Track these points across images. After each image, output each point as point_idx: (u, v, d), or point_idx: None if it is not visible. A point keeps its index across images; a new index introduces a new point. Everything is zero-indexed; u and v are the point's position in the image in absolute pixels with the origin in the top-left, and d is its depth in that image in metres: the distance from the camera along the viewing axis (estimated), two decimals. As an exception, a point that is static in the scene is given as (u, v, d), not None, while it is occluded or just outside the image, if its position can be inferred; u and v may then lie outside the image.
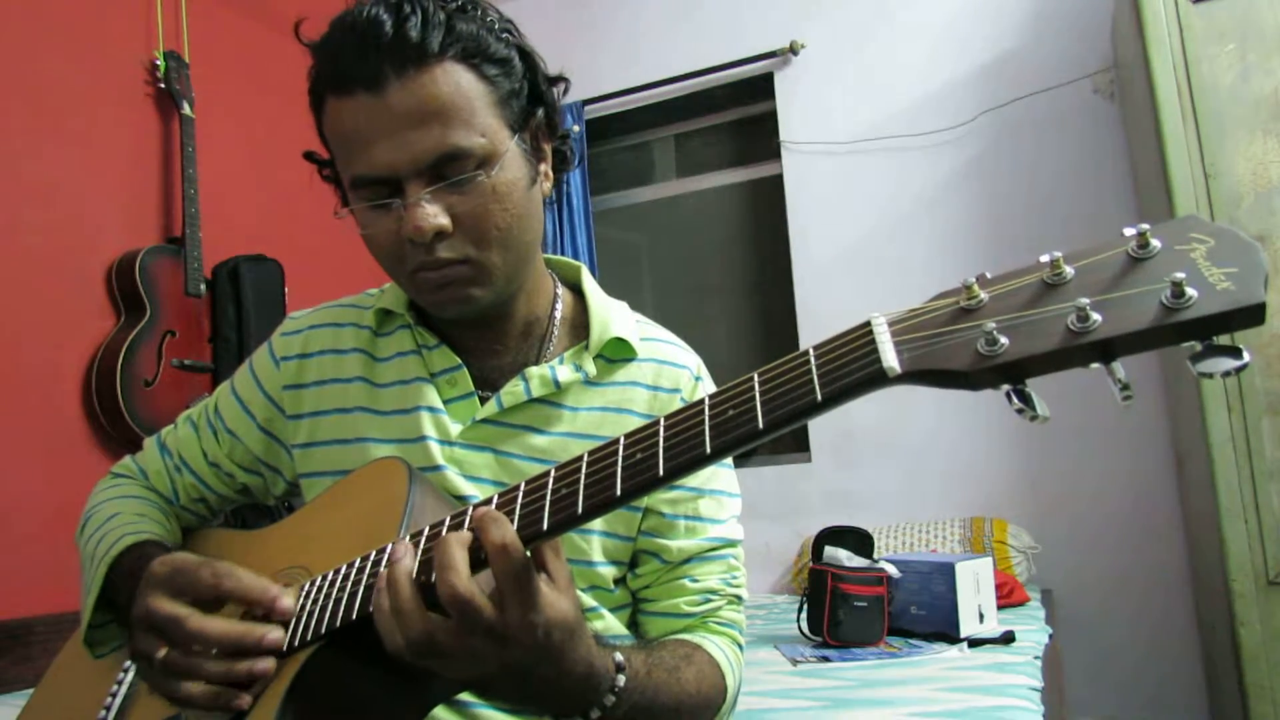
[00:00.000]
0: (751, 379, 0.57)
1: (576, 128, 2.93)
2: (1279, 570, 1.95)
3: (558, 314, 0.96)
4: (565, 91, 0.93)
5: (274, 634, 0.70)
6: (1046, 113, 2.82)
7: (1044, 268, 0.50)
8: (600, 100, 3.39)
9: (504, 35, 0.84)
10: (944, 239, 2.92)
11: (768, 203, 3.36)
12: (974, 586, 1.96)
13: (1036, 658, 1.69)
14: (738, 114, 3.47)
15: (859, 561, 1.97)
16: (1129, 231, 0.49)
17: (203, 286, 2.42)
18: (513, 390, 0.89)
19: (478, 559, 0.61)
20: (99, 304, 2.30)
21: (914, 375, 0.51)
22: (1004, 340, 0.49)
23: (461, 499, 0.85)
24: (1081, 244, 0.51)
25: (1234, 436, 1.98)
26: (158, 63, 2.47)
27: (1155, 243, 0.48)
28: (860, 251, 3.03)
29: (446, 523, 0.66)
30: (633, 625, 0.96)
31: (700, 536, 0.92)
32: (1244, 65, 2.05)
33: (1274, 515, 1.96)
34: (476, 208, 0.80)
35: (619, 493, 0.59)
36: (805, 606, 1.97)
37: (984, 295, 0.51)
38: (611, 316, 0.94)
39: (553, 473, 0.64)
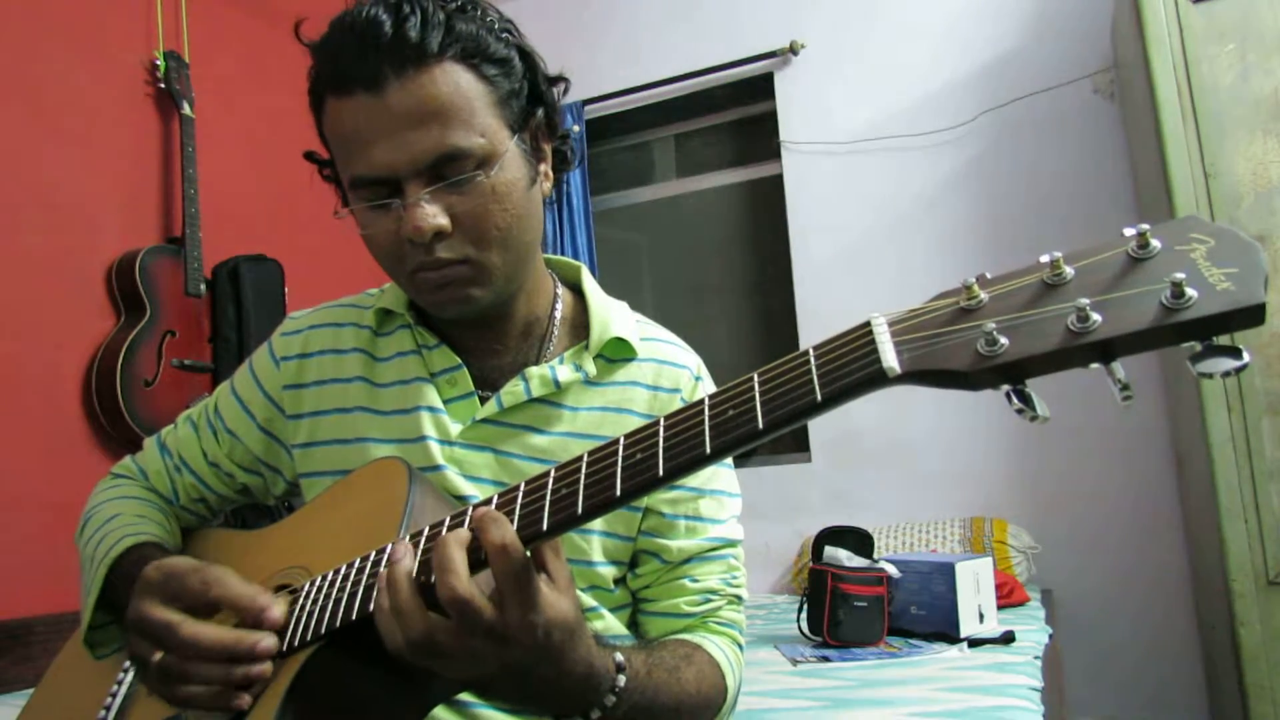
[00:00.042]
0: (751, 379, 0.57)
1: (576, 128, 2.94)
2: (1279, 570, 1.95)
3: (558, 314, 0.96)
4: (565, 91, 0.93)
5: (266, 641, 0.69)
6: (1046, 113, 2.82)
7: (1044, 268, 0.50)
8: (600, 100, 3.39)
9: (504, 35, 0.84)
10: (944, 239, 2.92)
11: (768, 203, 3.36)
12: (974, 586, 1.96)
13: (1036, 658, 1.69)
14: (738, 114, 3.47)
15: (859, 561, 1.97)
16: (1129, 232, 0.49)
17: (203, 286, 2.42)
18: (513, 390, 0.89)
19: (477, 559, 0.61)
20: (99, 304, 2.30)
21: (914, 375, 0.51)
22: (1004, 340, 0.49)
23: (461, 499, 0.85)
24: (1081, 244, 0.51)
25: (1234, 436, 1.98)
26: (158, 63, 2.47)
27: (1155, 243, 0.48)
28: (860, 251, 3.03)
29: (446, 523, 0.66)
30: (633, 625, 0.96)
31: (700, 536, 0.92)
32: (1244, 65, 2.05)
33: (1274, 515, 1.96)
34: (476, 208, 0.80)
35: (619, 493, 0.59)
36: (805, 606, 1.97)
37: (984, 295, 0.51)
38: (612, 316, 0.94)
39: (552, 473, 0.64)
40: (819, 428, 3.06)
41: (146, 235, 2.42)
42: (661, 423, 0.60)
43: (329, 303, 1.02)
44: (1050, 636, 1.96)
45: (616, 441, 0.61)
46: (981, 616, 1.96)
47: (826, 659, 1.78)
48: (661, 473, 0.58)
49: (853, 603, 1.87)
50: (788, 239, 3.16)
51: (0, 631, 1.94)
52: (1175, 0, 2.09)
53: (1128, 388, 0.47)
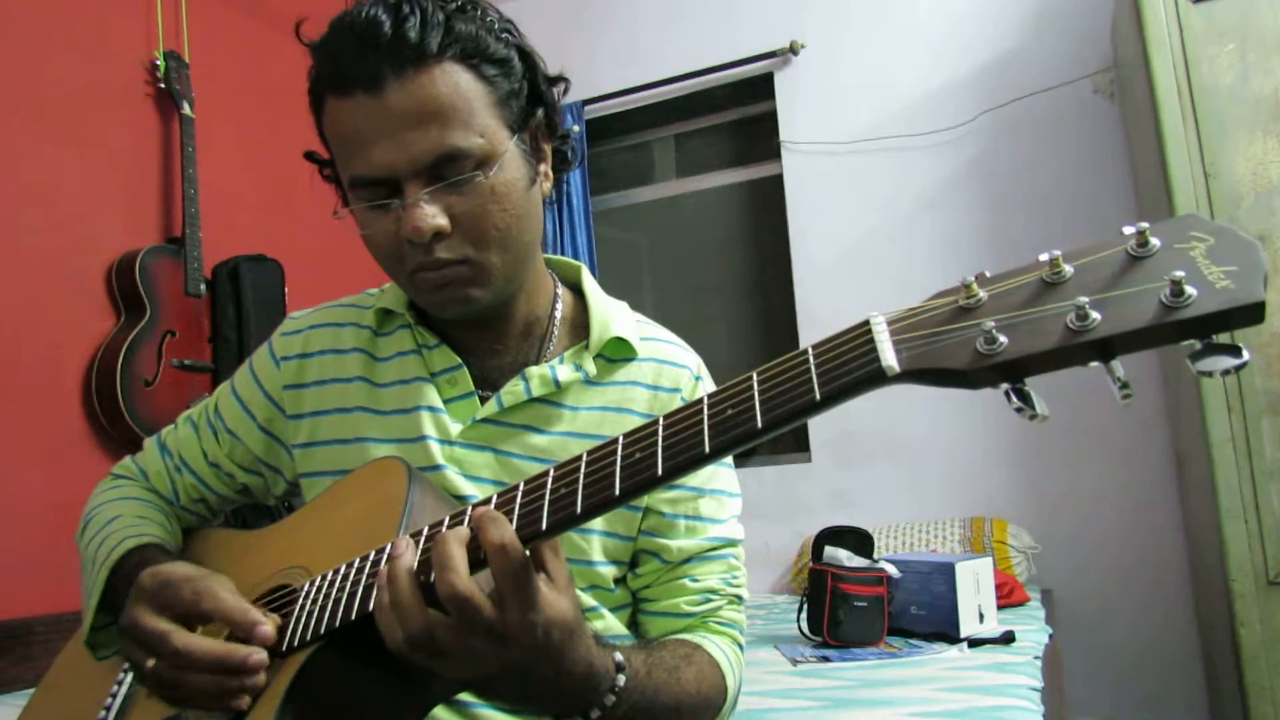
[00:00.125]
0: (750, 378, 0.57)
1: (576, 128, 2.94)
2: (1279, 570, 1.95)
3: (558, 314, 0.96)
4: (565, 91, 0.93)
5: (257, 655, 0.69)
6: (1046, 113, 2.82)
7: (1043, 266, 0.50)
8: (600, 100, 3.39)
9: (503, 35, 0.84)
10: (944, 239, 2.92)
11: (768, 203, 3.36)
12: (974, 586, 1.96)
13: (1036, 658, 1.69)
14: (738, 114, 3.47)
15: (859, 561, 1.97)
16: (1128, 230, 0.49)
17: (203, 286, 2.42)
18: (513, 390, 0.89)
19: (476, 559, 0.61)
20: (99, 304, 2.30)
21: (913, 374, 0.51)
22: (1003, 339, 0.49)
23: (461, 499, 0.85)
24: (1081, 244, 0.51)
25: (1234, 436, 1.98)
26: (158, 63, 2.47)
27: (1154, 241, 0.48)
28: (860, 251, 3.03)
29: (446, 522, 0.66)
30: (633, 625, 0.96)
31: (700, 536, 0.92)
32: (1244, 65, 2.05)
33: (1274, 515, 1.96)
34: (475, 208, 0.80)
35: (618, 492, 0.59)
36: (805, 606, 1.97)
37: (983, 294, 0.51)
38: (612, 316, 0.94)
39: (552, 472, 0.64)
40: (819, 427, 3.06)
41: (146, 235, 2.42)
42: (660, 422, 0.60)
43: (329, 303, 1.02)
44: (1050, 636, 1.96)
45: (616, 441, 0.61)
46: (981, 616, 1.96)
47: (826, 659, 1.78)
48: (660, 472, 0.58)
49: (853, 603, 1.87)
50: (788, 239, 3.15)
51: (0, 631, 1.94)
52: (1175, 0, 2.09)
53: (1127, 386, 0.47)
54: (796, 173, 3.16)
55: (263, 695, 0.69)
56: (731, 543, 0.95)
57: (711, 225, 3.52)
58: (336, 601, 0.69)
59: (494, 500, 0.66)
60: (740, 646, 0.93)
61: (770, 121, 3.24)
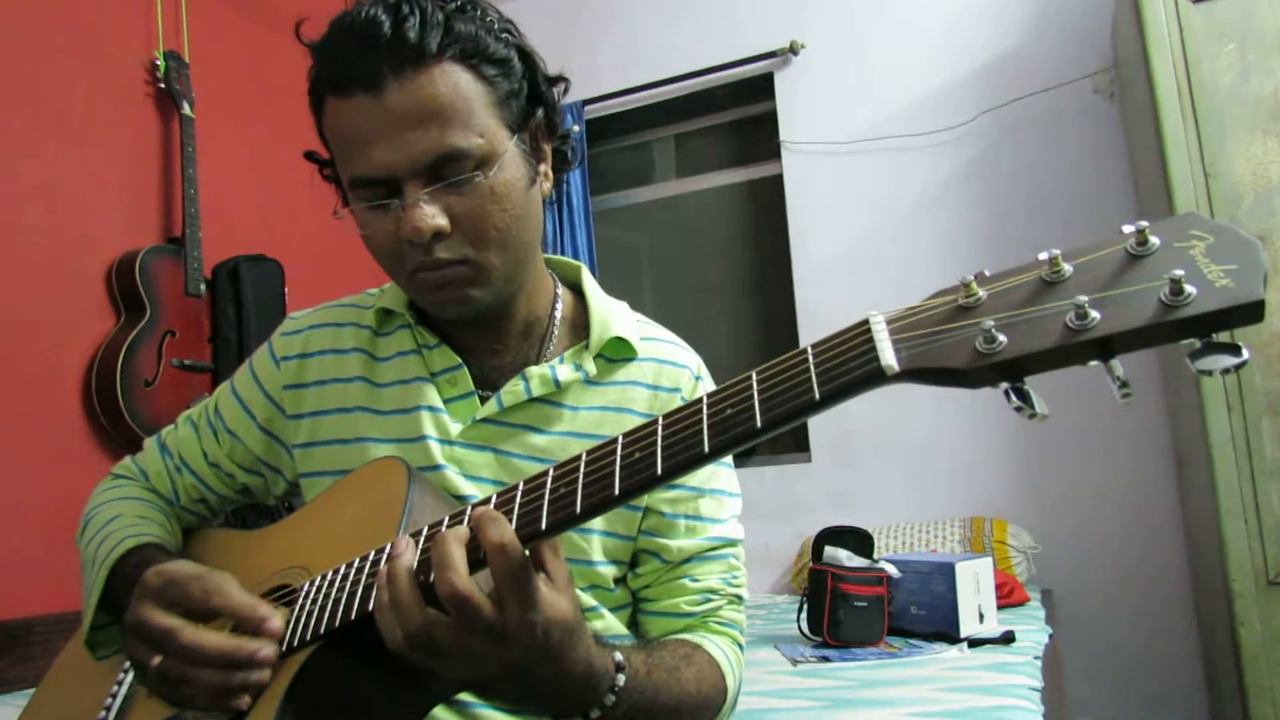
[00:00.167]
0: (750, 378, 0.57)
1: (576, 128, 2.94)
2: (1279, 570, 1.95)
3: (558, 314, 0.96)
4: (565, 91, 0.93)
5: (266, 650, 0.69)
6: (1046, 113, 2.82)
7: (1042, 265, 0.50)
8: (600, 100, 3.39)
9: (503, 35, 0.84)
10: (944, 239, 2.92)
11: (768, 203, 3.36)
12: (974, 586, 1.96)
13: (1036, 658, 1.69)
14: (738, 114, 3.47)
15: (859, 561, 1.97)
16: (1128, 229, 0.49)
17: (203, 286, 2.42)
18: (513, 389, 0.89)
19: (476, 558, 0.61)
20: (99, 304, 2.30)
21: (912, 373, 0.51)
22: (1002, 338, 0.49)
23: (461, 498, 0.85)
24: (1081, 243, 0.51)
25: (1234, 436, 1.98)
26: (158, 63, 2.47)
27: (1154, 240, 0.48)
28: (860, 251, 3.03)
29: (445, 522, 0.66)
30: (633, 625, 0.96)
31: (700, 536, 0.92)
32: (1244, 65, 2.05)
33: (1274, 515, 1.96)
34: (475, 208, 0.80)
35: (617, 492, 0.59)
36: (805, 606, 1.97)
37: (982, 293, 0.51)
38: (612, 316, 0.94)
39: (551, 472, 0.64)
40: (819, 427, 3.06)
41: (146, 235, 2.42)
42: (660, 422, 0.60)
43: (329, 303, 1.02)
44: (1050, 636, 1.96)
45: (615, 440, 0.61)
46: (981, 616, 1.96)
47: (826, 659, 1.78)
48: (660, 472, 0.58)
49: (853, 603, 1.87)
50: (788, 239, 3.15)
51: (0, 631, 1.94)
52: (1175, 0, 2.09)
53: (1127, 385, 0.47)
54: (796, 173, 3.16)
55: (263, 695, 0.69)
56: (731, 542, 0.95)
57: (711, 225, 3.52)
58: (336, 601, 0.69)
59: (493, 500, 0.66)
60: (740, 646, 0.93)
61: (770, 121, 3.24)
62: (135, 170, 2.44)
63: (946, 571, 1.93)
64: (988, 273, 0.52)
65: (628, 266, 3.66)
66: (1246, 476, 1.97)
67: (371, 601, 0.65)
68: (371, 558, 0.69)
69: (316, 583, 0.72)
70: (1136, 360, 0.58)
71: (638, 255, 3.68)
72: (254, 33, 2.82)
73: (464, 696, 0.81)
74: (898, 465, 2.93)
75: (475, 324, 0.92)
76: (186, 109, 2.45)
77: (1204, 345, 0.45)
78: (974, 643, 1.83)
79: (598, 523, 0.89)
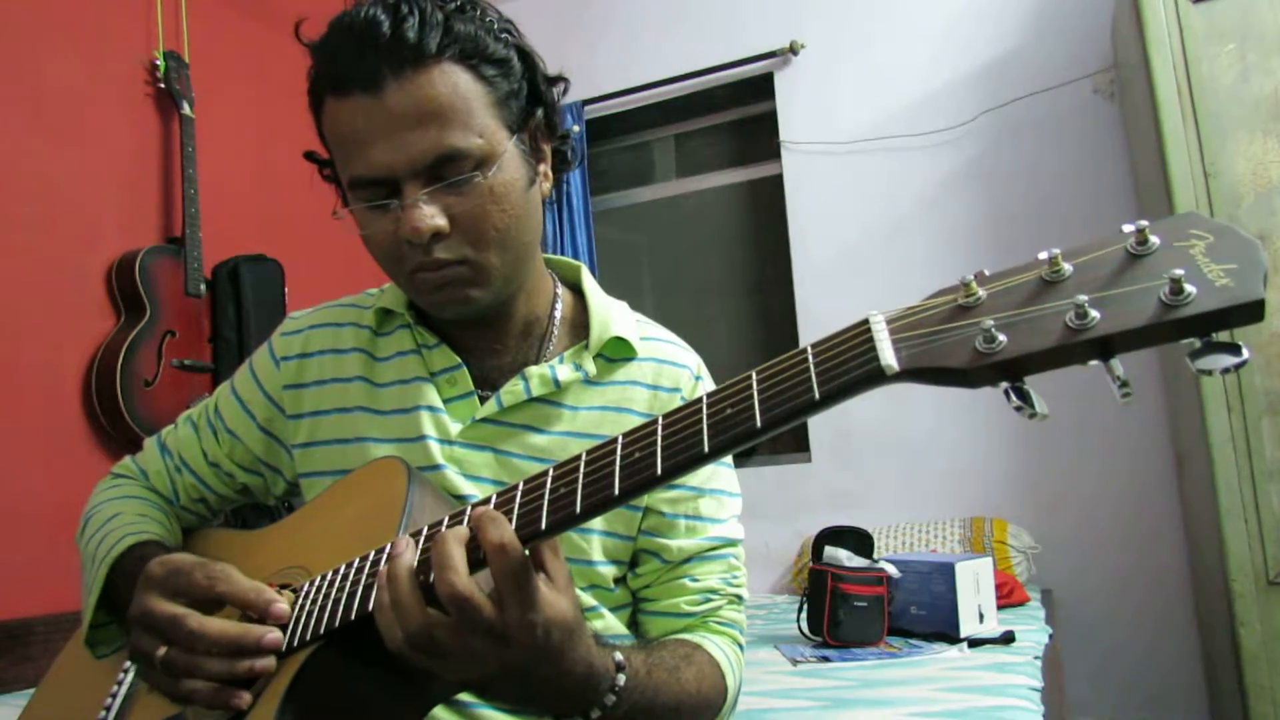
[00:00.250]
0: (749, 377, 0.57)
1: (576, 128, 2.94)
2: (1279, 570, 1.95)
3: (558, 314, 0.96)
4: (565, 92, 0.93)
5: (272, 635, 0.70)
6: (1046, 113, 2.82)
7: (1042, 265, 0.50)
8: (600, 100, 3.39)
9: (503, 35, 0.84)
10: (944, 239, 2.92)
11: (768, 203, 3.36)
12: (974, 586, 1.96)
13: (1036, 658, 1.69)
14: (738, 114, 3.47)
15: (859, 561, 1.97)
16: (1128, 228, 0.49)
17: (203, 286, 2.42)
18: (512, 389, 0.89)
19: (476, 558, 0.61)
20: (99, 304, 2.30)
21: (912, 373, 0.51)
22: (1002, 338, 0.48)
23: (461, 498, 0.85)
24: (1081, 243, 0.51)
25: (1234, 436, 1.98)
26: (158, 63, 2.47)
27: (1154, 239, 0.48)
28: (860, 251, 3.03)
29: (445, 522, 0.66)
30: (633, 625, 0.96)
31: (700, 536, 0.92)
32: (1244, 65, 2.05)
33: (1274, 515, 1.96)
34: (474, 208, 0.80)
35: (617, 492, 0.59)
36: (805, 606, 1.97)
37: (982, 292, 0.51)
38: (611, 316, 0.94)
39: (551, 472, 0.64)
40: (819, 427, 3.06)
41: (146, 235, 2.42)
42: (660, 421, 0.60)
43: (329, 303, 1.02)
44: (1050, 636, 1.96)
45: (615, 440, 0.61)
46: (981, 616, 1.96)
47: (826, 659, 1.78)
48: (660, 472, 0.58)
49: (853, 603, 1.87)
50: (788, 239, 3.15)
51: (0, 631, 1.94)
52: (1175, 0, 2.09)
53: (1127, 385, 0.47)
54: (796, 173, 3.16)
55: (263, 695, 0.69)
56: (731, 542, 0.95)
57: (711, 225, 3.52)
58: (336, 601, 0.69)
59: (493, 500, 0.66)
60: (740, 646, 0.93)
61: (770, 121, 3.24)
62: (135, 170, 2.44)
63: (946, 571, 1.93)
64: (987, 272, 0.52)
65: (628, 266, 3.66)
66: (1246, 476, 1.97)
67: (371, 601, 0.65)
68: (371, 558, 0.69)
69: (316, 583, 0.72)
70: (1136, 360, 0.58)
71: (638, 255, 3.68)
72: (254, 33, 2.82)
73: (464, 696, 0.81)
74: (898, 465, 2.93)
75: (475, 324, 0.92)
76: (186, 109, 2.45)
77: (1204, 345, 0.45)
78: (974, 643, 1.83)
79: (598, 523, 0.89)
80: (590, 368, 0.91)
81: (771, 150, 3.26)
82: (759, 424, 0.54)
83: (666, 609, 0.92)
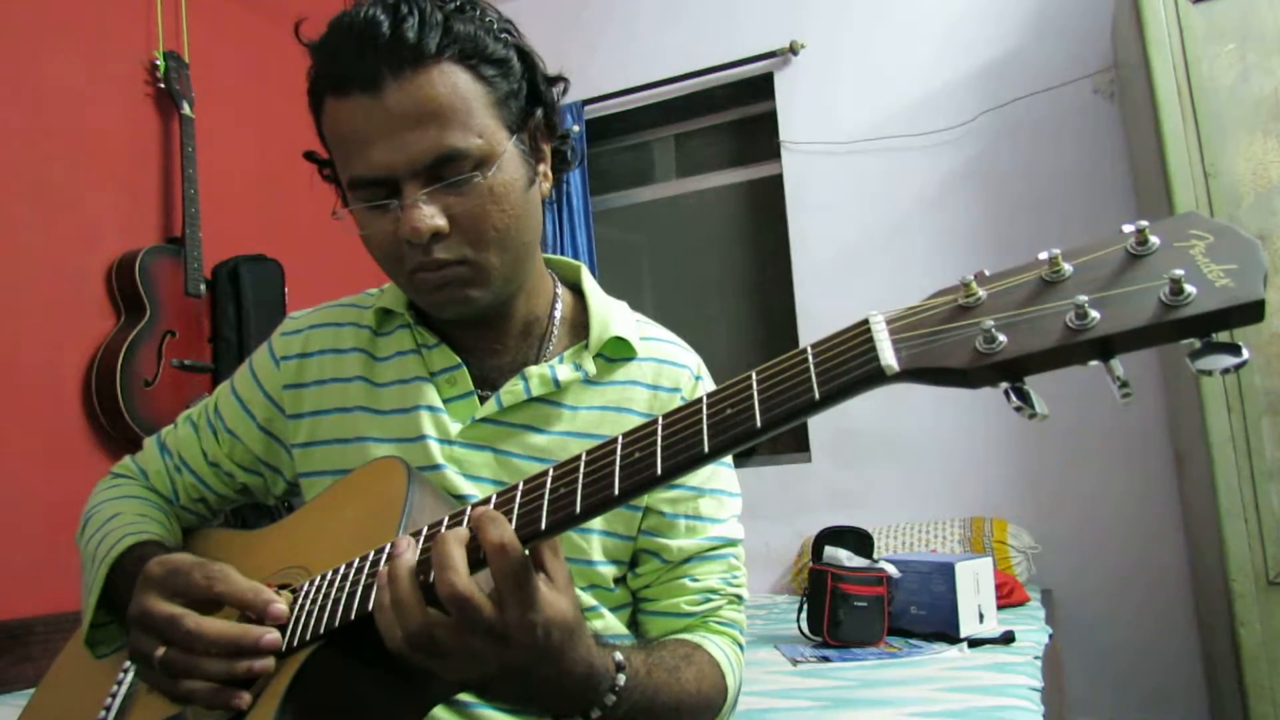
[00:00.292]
0: (749, 378, 0.57)
1: (576, 128, 2.94)
2: (1279, 570, 1.95)
3: (557, 313, 0.96)
4: (565, 92, 0.93)
5: (270, 635, 0.70)
6: (1046, 113, 2.82)
7: (1042, 265, 0.50)
8: (600, 100, 3.39)
9: (502, 36, 0.84)
10: (944, 239, 2.92)
11: (768, 203, 3.36)
12: (974, 586, 1.96)
13: (1036, 658, 1.69)
14: (738, 114, 3.47)
15: (859, 561, 1.97)
16: (1128, 228, 0.49)
17: (203, 286, 2.42)
18: (512, 389, 0.89)
19: (476, 558, 0.61)
20: (99, 304, 2.30)
21: (912, 373, 0.51)
22: (1002, 338, 0.48)
23: (461, 498, 0.85)
24: (1081, 243, 0.51)
25: (1234, 436, 1.98)
26: (158, 63, 2.47)
27: (1154, 240, 0.48)
28: (860, 251, 3.03)
29: (445, 522, 0.66)
30: (633, 625, 0.96)
31: (700, 536, 0.92)
32: (1244, 65, 2.05)
33: (1274, 515, 1.96)
34: (474, 209, 0.80)
35: (617, 492, 0.59)
36: (805, 606, 1.97)
37: (982, 293, 0.51)
38: (611, 316, 0.94)
39: (551, 472, 0.64)
40: (819, 427, 3.06)
41: (146, 235, 2.42)
42: (660, 421, 0.60)
43: (329, 303, 1.02)
44: (1050, 636, 1.96)
45: (615, 440, 0.61)
46: (981, 616, 1.96)
47: (826, 659, 1.78)
48: (660, 472, 0.58)
49: (853, 603, 1.87)
50: (788, 239, 3.15)
51: (0, 631, 1.94)
52: (1175, 0, 2.09)
53: (1127, 385, 0.47)
54: (796, 173, 3.16)
55: (262, 695, 0.69)
56: (731, 542, 0.95)
57: (711, 225, 3.52)
58: (336, 601, 0.69)
59: (493, 500, 0.66)
60: (740, 646, 0.93)
61: (770, 121, 3.24)
62: (135, 170, 2.44)
63: (946, 571, 1.93)
64: (988, 272, 0.52)
65: (628, 266, 3.66)
66: (1246, 476, 1.97)
67: (371, 601, 0.65)
68: (371, 558, 0.69)
69: (316, 583, 0.72)
70: (1136, 360, 0.58)
71: (638, 255, 3.68)
72: (254, 33, 2.82)
73: (464, 696, 0.81)
74: (898, 465, 2.93)
75: (475, 324, 0.92)
76: (186, 109, 2.45)
77: (1204, 345, 0.45)
78: (974, 643, 1.83)
79: (597, 522, 0.89)
80: (590, 367, 0.91)
81: (771, 150, 3.26)
82: (759, 424, 0.54)
83: (666, 609, 0.92)
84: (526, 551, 0.61)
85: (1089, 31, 2.78)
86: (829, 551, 1.99)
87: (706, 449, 0.56)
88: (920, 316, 0.52)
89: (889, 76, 3.03)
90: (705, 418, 0.57)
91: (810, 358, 0.55)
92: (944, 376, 0.50)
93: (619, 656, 0.71)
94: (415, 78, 0.77)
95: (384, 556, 0.68)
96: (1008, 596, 2.25)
